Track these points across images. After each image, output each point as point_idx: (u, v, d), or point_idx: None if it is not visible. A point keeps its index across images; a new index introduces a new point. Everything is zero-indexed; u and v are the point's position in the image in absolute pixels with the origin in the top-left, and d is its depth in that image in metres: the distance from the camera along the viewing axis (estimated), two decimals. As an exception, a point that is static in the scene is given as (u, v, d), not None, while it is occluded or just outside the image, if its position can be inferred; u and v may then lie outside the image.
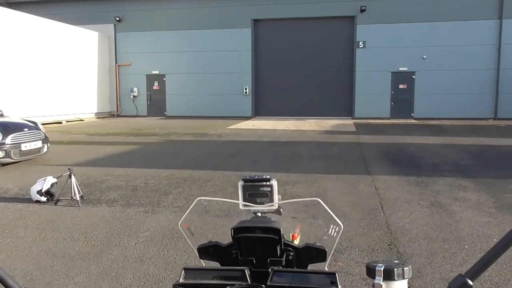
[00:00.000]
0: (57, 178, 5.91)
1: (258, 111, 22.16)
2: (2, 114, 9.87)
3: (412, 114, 20.37)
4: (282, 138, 13.35)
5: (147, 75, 23.02)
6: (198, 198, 1.27)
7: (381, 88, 20.47)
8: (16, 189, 6.66)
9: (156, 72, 22.78)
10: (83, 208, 5.59)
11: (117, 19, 22.79)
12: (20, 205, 5.75)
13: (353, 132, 14.93)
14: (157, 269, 3.73)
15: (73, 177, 5.65)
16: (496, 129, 15.71)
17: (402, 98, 20.38)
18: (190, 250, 4.09)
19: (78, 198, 5.66)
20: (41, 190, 5.73)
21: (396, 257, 3.95)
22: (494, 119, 19.49)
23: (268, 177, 1.21)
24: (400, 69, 20.25)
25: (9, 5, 21.72)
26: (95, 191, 6.51)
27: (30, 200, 5.85)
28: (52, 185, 5.82)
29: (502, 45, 19.25)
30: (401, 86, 20.38)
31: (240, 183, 1.21)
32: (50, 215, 5.29)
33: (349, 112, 21.10)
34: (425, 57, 19.88)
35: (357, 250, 4.11)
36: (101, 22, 22.75)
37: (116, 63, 23.32)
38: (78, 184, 5.84)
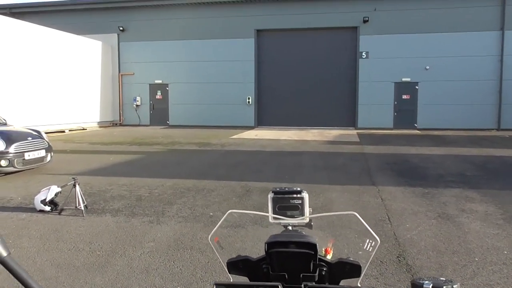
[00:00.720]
0: (61, 187, 5.87)
1: (261, 121, 22.16)
2: (6, 123, 9.86)
3: (415, 125, 20.34)
4: (286, 148, 13.31)
5: (150, 85, 23.08)
6: (230, 211, 1.23)
7: (384, 98, 20.48)
8: (19, 198, 6.62)
9: (159, 81, 22.85)
10: (87, 217, 5.54)
11: (121, 28, 22.92)
12: (23, 214, 5.70)
13: (356, 142, 14.89)
14: (164, 281, 3.67)
15: (77, 186, 5.62)
16: (500, 139, 15.66)
17: (405, 108, 20.37)
18: (196, 262, 4.05)
19: (82, 208, 5.62)
20: (45, 199, 5.70)
21: (406, 269, 3.89)
22: (497, 129, 19.45)
23: (299, 189, 1.17)
24: (403, 79, 20.27)
25: (13, 14, 21.91)
26: (99, 200, 6.47)
27: (33, 210, 5.81)
28: (56, 195, 5.79)
29: (504, 56, 19.28)
30: (404, 97, 20.37)
31: (270, 195, 1.17)
32: (54, 224, 5.25)
33: (352, 122, 21.09)
34: (428, 67, 19.91)
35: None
36: (104, 31, 22.91)
37: (119, 72, 23.41)
38: (82, 193, 5.79)
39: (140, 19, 22.76)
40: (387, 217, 5.56)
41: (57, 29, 19.51)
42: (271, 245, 1.02)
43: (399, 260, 4.13)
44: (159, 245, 4.52)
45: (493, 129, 19.47)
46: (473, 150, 12.45)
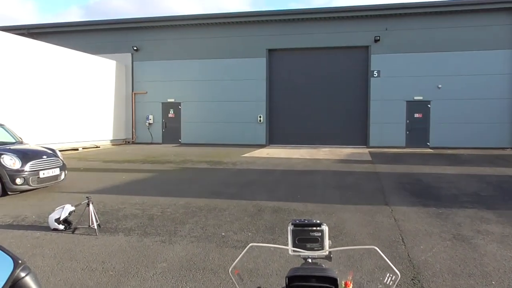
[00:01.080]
0: (75, 206, 5.93)
1: (272, 139, 22.20)
2: (22, 141, 10.02)
3: (428, 143, 20.20)
4: (297, 167, 13.29)
5: (162, 103, 23.34)
6: (250, 244, 1.24)
7: (396, 117, 20.42)
8: (34, 216, 6.69)
9: (172, 100, 23.10)
10: (100, 237, 5.57)
11: (135, 48, 23.33)
12: (38, 233, 5.75)
13: (369, 161, 14.80)
14: (176, 302, 3.66)
15: (91, 205, 5.67)
16: (515, 159, 15.44)
17: (417, 127, 20.27)
18: (209, 283, 4.03)
19: (96, 227, 5.65)
20: (59, 218, 5.74)
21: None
22: (511, 148, 19.20)
23: (318, 222, 1.18)
24: (415, 98, 20.21)
25: (31, 35, 22.46)
26: (112, 219, 6.50)
27: (48, 228, 5.86)
28: (70, 213, 5.83)
29: (517, 74, 19.18)
30: (416, 115, 20.29)
31: (290, 228, 1.18)
32: (68, 244, 5.28)
33: (363, 140, 21.02)
34: (440, 86, 19.85)
35: (379, 285, 3.99)
36: (119, 51, 23.36)
37: (132, 91, 23.74)
38: (95, 212, 5.83)
39: (154, 39, 23.17)
40: (400, 238, 5.49)
41: (73, 49, 19.93)
42: (291, 279, 1.02)
43: (414, 283, 4.06)
44: (171, 266, 4.52)
45: (507, 148, 19.23)
46: (488, 170, 12.30)
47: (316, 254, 1.16)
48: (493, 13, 19.41)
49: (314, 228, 1.17)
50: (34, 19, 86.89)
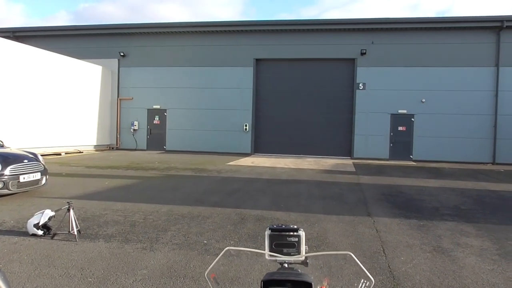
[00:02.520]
0: (55, 211, 5.83)
1: (258, 148, 22.23)
2: (3, 145, 9.85)
3: (411, 156, 20.45)
4: (282, 176, 13.31)
5: (148, 110, 23.22)
6: (227, 248, 1.24)
7: (380, 129, 20.65)
8: (12, 221, 6.56)
9: (157, 106, 23.00)
10: (80, 243, 5.49)
11: (122, 54, 23.22)
12: (15, 238, 5.64)
13: (352, 172, 14.91)
14: (155, 310, 3.61)
15: (71, 210, 5.58)
16: (495, 174, 15.73)
17: (401, 140, 20.52)
18: (189, 291, 3.99)
19: (76, 233, 5.57)
20: (38, 223, 5.64)
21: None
22: (492, 163, 19.56)
23: (295, 227, 1.19)
24: (399, 111, 20.49)
25: (16, 38, 22.20)
26: (93, 225, 6.41)
27: (26, 234, 5.75)
28: (49, 219, 5.73)
29: (499, 91, 19.59)
30: (400, 128, 20.56)
31: (267, 232, 1.19)
32: (46, 249, 5.19)
33: (348, 152, 21.18)
34: (424, 100, 20.17)
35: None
36: (106, 56, 23.23)
37: (118, 96, 23.57)
38: (76, 218, 5.75)
39: (141, 45, 23.11)
40: (382, 249, 5.53)
41: (59, 53, 19.75)
42: (267, 283, 1.03)
43: (394, 294, 4.09)
44: (151, 273, 4.47)
45: (488, 163, 19.58)
46: (469, 184, 12.49)
47: (292, 259, 1.17)
48: (477, 31, 19.85)
49: (291, 233, 1.17)
50: (21, 22, 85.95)
